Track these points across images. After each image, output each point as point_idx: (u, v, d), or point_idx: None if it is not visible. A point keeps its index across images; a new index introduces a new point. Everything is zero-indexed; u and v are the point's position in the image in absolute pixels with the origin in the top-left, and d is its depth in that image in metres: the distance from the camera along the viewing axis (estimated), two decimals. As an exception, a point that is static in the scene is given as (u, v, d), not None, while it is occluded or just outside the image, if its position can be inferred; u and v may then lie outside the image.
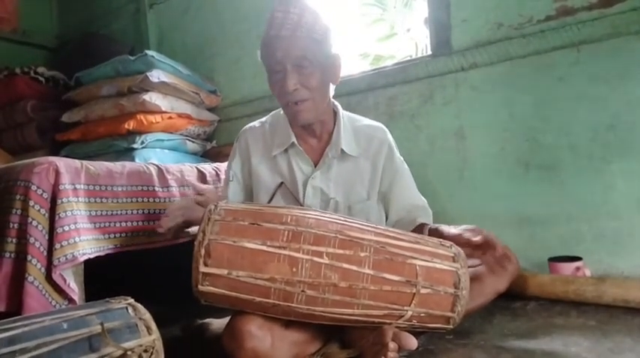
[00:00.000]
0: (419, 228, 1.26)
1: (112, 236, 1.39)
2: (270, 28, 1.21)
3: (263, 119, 1.42)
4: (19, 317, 0.88)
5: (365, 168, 1.34)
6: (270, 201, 1.33)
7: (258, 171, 1.35)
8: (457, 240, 1.12)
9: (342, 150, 1.30)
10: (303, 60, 1.19)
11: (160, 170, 1.57)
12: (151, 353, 0.84)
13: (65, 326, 0.82)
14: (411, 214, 1.34)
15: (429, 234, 1.20)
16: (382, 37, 2.95)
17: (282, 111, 1.37)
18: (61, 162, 1.29)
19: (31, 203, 1.20)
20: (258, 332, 0.98)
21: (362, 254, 0.97)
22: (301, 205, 1.30)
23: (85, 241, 1.29)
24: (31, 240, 1.18)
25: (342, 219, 1.05)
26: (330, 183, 1.31)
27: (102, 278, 1.41)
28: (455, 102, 1.78)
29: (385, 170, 1.35)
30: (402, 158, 1.40)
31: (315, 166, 1.32)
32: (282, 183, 1.33)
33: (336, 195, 1.31)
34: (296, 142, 1.31)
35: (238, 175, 1.39)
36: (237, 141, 1.41)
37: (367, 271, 0.96)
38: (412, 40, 2.82)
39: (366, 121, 1.40)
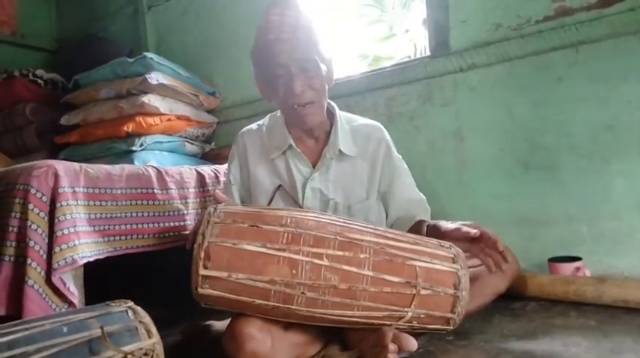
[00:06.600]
0: (417, 225, 1.26)
1: (111, 239, 1.39)
2: (268, 32, 1.19)
3: (260, 121, 1.42)
4: (19, 321, 0.89)
5: (363, 167, 1.34)
6: (269, 203, 1.33)
7: (256, 174, 1.35)
8: (455, 233, 1.11)
9: (339, 150, 1.30)
10: (307, 62, 1.19)
11: (159, 172, 1.57)
12: (151, 357, 0.84)
13: (65, 329, 0.82)
14: (409, 212, 1.34)
15: (427, 231, 1.20)
16: (381, 38, 2.95)
17: (278, 113, 1.37)
18: (60, 165, 1.29)
19: (31, 206, 1.20)
20: (258, 335, 0.97)
21: (362, 255, 0.97)
22: (300, 207, 1.30)
23: (84, 244, 1.29)
24: (31, 243, 1.18)
25: (341, 220, 1.05)
26: (329, 184, 1.31)
27: (102, 281, 1.41)
28: (454, 103, 1.78)
29: (384, 169, 1.35)
30: (399, 156, 1.40)
31: (314, 167, 1.32)
32: (280, 185, 1.33)
33: (335, 196, 1.31)
34: (293, 144, 1.31)
35: (237, 178, 1.40)
36: (235, 144, 1.41)
37: (367, 273, 0.96)
38: (411, 41, 2.81)
39: (363, 120, 1.40)
